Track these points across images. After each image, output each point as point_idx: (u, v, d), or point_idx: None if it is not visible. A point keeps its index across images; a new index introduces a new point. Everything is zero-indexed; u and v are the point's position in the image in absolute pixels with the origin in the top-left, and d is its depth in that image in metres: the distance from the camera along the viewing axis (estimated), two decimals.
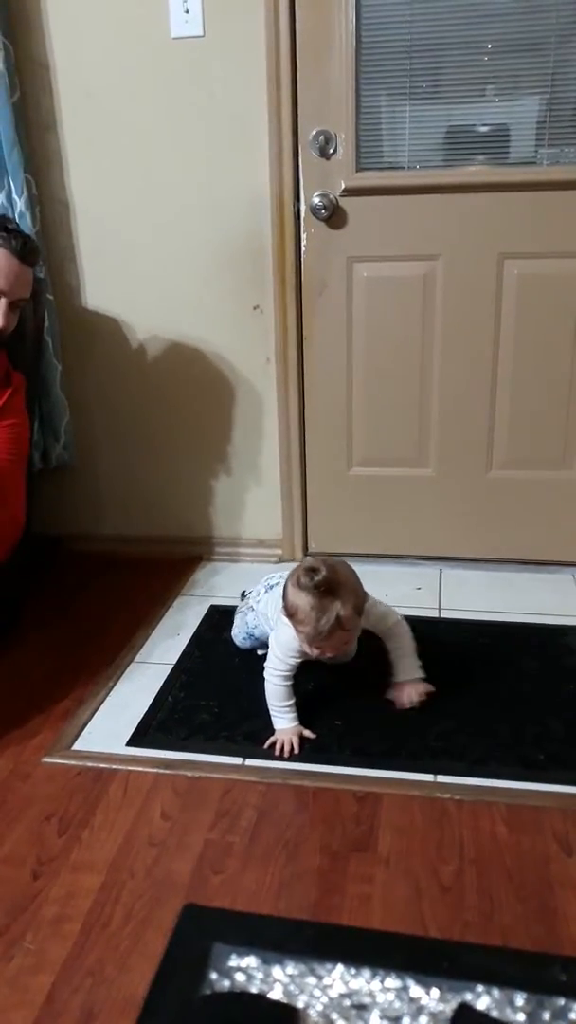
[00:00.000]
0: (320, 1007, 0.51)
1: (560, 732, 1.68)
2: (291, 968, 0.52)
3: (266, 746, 1.65)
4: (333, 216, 2.16)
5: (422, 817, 1.47)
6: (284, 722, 1.68)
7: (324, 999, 0.51)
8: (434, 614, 2.19)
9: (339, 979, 0.51)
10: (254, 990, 0.52)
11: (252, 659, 1.97)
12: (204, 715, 1.78)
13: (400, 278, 2.21)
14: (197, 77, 2.11)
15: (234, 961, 0.53)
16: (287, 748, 1.63)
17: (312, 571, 1.53)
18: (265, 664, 1.70)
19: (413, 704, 1.74)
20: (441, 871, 1.34)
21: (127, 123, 2.18)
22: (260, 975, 0.52)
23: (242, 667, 1.95)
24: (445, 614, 2.19)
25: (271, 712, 1.69)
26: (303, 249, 2.21)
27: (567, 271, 2.14)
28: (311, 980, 0.52)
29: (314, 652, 1.62)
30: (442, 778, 1.56)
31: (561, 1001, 0.52)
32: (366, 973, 0.52)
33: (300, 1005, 0.51)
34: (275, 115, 2.08)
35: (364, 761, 1.61)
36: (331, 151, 2.11)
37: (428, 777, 1.57)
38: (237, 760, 1.63)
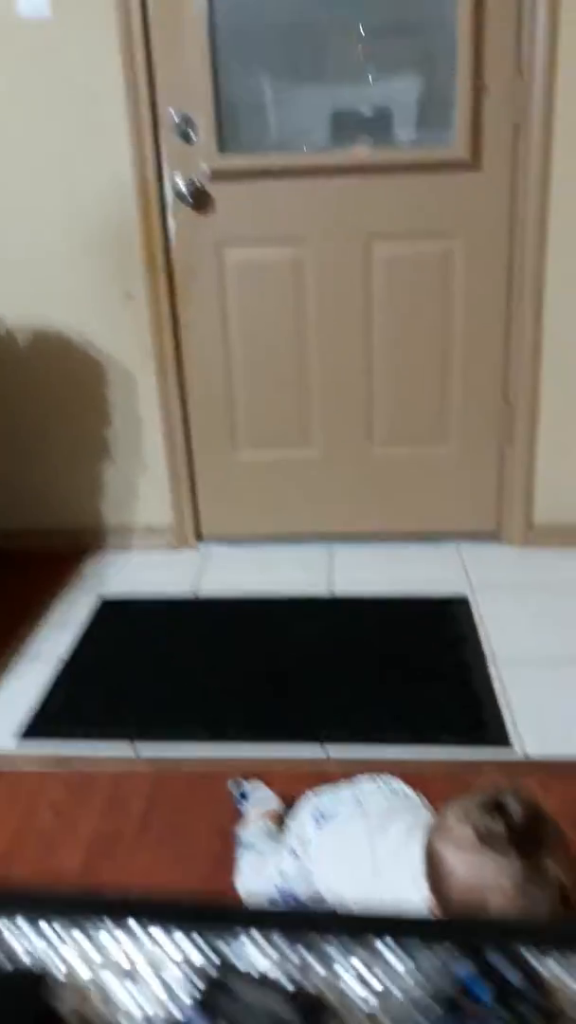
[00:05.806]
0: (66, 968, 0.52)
1: (445, 699, 1.74)
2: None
3: None
4: (199, 200, 2.15)
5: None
6: None
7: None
8: (326, 593, 2.22)
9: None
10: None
11: (143, 649, 1.96)
12: (94, 707, 1.76)
13: (270, 262, 2.22)
14: (50, 58, 2.05)
15: None
16: None
17: (500, 807, 0.88)
18: None
19: None
20: None
21: None
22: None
23: (133, 657, 1.94)
24: (338, 591, 2.22)
25: None
26: (171, 234, 2.20)
27: (431, 251, 2.18)
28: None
29: None
30: (332, 749, 1.59)
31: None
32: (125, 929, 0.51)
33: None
34: (132, 97, 2.05)
35: (255, 737, 1.63)
36: (192, 134, 2.10)
37: (318, 749, 1.60)
38: (127, 750, 1.63)
